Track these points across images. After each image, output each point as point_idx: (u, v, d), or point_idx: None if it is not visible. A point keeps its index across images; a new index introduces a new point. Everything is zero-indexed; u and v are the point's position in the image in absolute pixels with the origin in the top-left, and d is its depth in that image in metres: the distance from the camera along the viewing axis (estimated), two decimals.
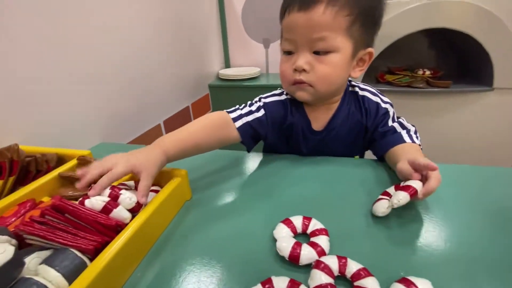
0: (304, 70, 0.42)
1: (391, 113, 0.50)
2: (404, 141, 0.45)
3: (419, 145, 0.46)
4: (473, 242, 0.31)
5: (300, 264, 0.29)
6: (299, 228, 0.34)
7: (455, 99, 1.10)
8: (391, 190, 0.38)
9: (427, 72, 1.19)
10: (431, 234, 0.33)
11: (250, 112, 0.47)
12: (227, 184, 0.45)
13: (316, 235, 0.32)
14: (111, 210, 0.32)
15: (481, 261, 0.29)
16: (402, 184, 0.37)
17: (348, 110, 0.49)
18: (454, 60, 1.28)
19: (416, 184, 0.34)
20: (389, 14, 1.04)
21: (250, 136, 0.48)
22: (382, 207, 0.35)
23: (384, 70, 1.37)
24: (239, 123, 0.46)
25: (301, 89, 0.44)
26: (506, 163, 1.16)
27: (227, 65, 1.56)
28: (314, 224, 0.34)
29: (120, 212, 0.32)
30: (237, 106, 0.49)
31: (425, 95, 1.11)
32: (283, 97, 0.50)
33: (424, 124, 1.17)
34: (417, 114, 1.16)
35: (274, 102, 0.49)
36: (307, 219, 0.34)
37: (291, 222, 0.34)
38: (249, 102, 0.50)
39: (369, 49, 0.44)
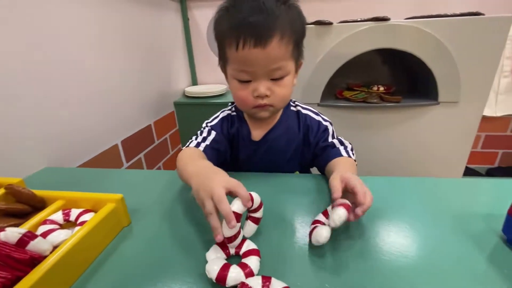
0: (266, 96, 0.45)
1: (330, 131, 0.55)
2: (341, 155, 0.49)
3: (355, 160, 0.49)
4: (428, 249, 0.33)
5: (227, 286, 0.29)
6: (232, 250, 0.34)
7: (406, 113, 1.18)
8: (321, 217, 0.38)
9: (381, 88, 1.28)
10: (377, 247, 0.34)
11: (204, 139, 0.52)
12: (172, 207, 0.44)
13: (247, 256, 0.32)
14: (27, 242, 0.30)
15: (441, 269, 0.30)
16: (334, 204, 0.37)
17: (287, 125, 0.54)
18: (406, 77, 1.39)
19: (347, 201, 0.35)
20: (344, 35, 1.11)
21: (215, 158, 0.51)
22: (323, 234, 0.32)
23: (343, 87, 1.45)
24: (201, 148, 0.50)
25: (263, 110, 0.48)
26: (452, 167, 1.25)
27: (194, 82, 1.57)
28: (248, 245, 0.34)
29: (38, 244, 0.30)
30: (191, 140, 0.53)
31: (379, 110, 1.18)
32: (226, 113, 0.57)
33: (379, 136, 1.24)
34: (372, 127, 1.23)
35: (219, 121, 0.56)
36: (242, 240, 0.35)
37: (225, 244, 0.34)
38: (198, 132, 0.55)
39: (301, 61, 0.50)
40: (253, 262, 0.31)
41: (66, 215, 0.38)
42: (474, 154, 1.55)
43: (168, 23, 1.29)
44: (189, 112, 1.34)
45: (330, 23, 1.10)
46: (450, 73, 1.10)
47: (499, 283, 0.28)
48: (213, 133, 0.53)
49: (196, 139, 0.52)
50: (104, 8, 0.84)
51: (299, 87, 1.13)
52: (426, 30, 1.06)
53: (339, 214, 0.33)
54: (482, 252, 0.32)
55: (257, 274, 0.30)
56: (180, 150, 1.39)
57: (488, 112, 1.36)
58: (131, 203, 0.45)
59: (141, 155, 1.04)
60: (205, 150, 0.50)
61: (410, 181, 0.50)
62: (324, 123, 0.56)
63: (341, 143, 0.54)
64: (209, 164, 0.41)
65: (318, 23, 1.10)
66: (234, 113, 0.56)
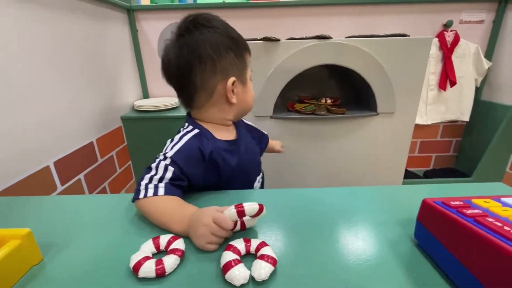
0: None
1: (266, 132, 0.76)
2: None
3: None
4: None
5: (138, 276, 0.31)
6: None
7: (350, 123, 1.27)
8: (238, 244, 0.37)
9: (329, 101, 1.36)
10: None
11: (161, 179, 0.45)
12: (101, 238, 0.40)
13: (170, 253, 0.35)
14: None
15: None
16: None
17: (243, 128, 0.63)
18: (350, 89, 1.50)
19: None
20: (290, 51, 1.17)
21: (178, 194, 0.46)
22: (237, 277, 0.30)
23: (295, 99, 1.52)
24: (161, 191, 0.44)
25: None
26: (393, 171, 1.36)
27: (146, 95, 1.51)
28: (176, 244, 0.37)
29: None
30: (143, 185, 0.45)
31: (326, 121, 1.25)
32: (191, 134, 0.51)
33: (327, 145, 1.31)
34: (320, 137, 1.30)
35: (184, 146, 0.49)
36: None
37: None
38: (153, 165, 0.47)
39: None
40: (170, 259, 0.33)
41: None
42: (413, 158, 1.72)
43: (115, 35, 1.23)
44: (139, 127, 1.27)
45: (278, 40, 1.14)
46: (386, 87, 1.21)
47: (408, 286, 0.30)
48: (170, 170, 0.46)
49: (154, 175, 0.45)
50: (41, 21, 0.78)
51: None
52: (363, 49, 1.16)
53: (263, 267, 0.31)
54: (396, 257, 0.35)
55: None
56: (129, 167, 1.31)
57: (420, 121, 1.53)
58: (49, 236, 0.40)
59: (81, 176, 0.95)
60: (167, 191, 0.44)
61: (331, 191, 0.53)
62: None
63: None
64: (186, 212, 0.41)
65: (266, 39, 1.14)
66: (199, 131, 0.52)
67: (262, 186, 0.69)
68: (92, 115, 1.03)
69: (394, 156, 1.35)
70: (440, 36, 1.42)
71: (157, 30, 1.41)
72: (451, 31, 1.42)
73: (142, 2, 2.95)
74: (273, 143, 0.84)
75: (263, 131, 0.76)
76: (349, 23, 1.44)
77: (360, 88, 1.35)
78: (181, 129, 0.55)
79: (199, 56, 0.47)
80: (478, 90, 1.53)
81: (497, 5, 1.39)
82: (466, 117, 1.54)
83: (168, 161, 0.47)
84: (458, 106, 1.52)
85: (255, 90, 0.56)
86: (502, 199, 0.35)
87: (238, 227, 0.38)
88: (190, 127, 0.53)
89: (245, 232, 0.40)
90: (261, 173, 0.68)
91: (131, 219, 0.45)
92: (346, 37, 1.22)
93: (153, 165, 0.47)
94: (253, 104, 0.57)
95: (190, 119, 0.56)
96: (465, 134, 1.65)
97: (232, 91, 0.51)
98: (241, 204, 0.35)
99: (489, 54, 1.47)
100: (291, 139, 1.31)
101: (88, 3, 1.03)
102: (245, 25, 1.43)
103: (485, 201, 0.34)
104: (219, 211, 0.36)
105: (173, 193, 0.45)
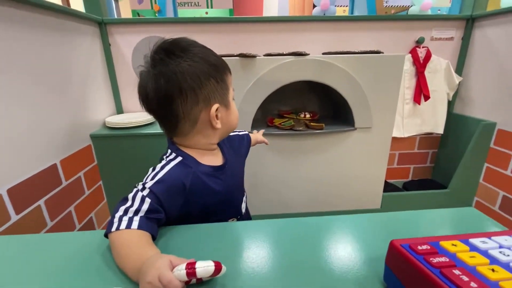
0: None
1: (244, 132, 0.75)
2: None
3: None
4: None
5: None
6: None
7: (329, 139, 1.26)
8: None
9: (307, 115, 1.35)
10: None
11: (137, 211, 0.42)
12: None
13: None
14: None
15: None
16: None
17: (226, 146, 0.61)
18: (329, 104, 1.51)
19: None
20: (268, 67, 1.16)
21: (155, 230, 0.43)
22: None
23: (275, 113, 1.51)
24: (135, 224, 0.40)
25: None
26: (373, 184, 1.37)
27: (120, 111, 1.44)
28: None
29: None
30: (117, 217, 0.41)
31: (305, 136, 1.24)
32: (178, 159, 0.50)
33: (306, 160, 1.30)
34: (299, 152, 1.28)
35: (166, 176, 0.46)
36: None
37: None
38: (130, 196, 0.43)
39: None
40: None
41: None
42: (392, 170, 1.74)
43: (84, 49, 1.17)
44: (110, 145, 1.20)
45: (254, 56, 1.13)
46: (362, 103, 1.22)
47: None
48: (147, 202, 0.43)
49: (130, 206, 0.42)
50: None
51: None
52: (340, 65, 1.17)
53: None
54: None
55: None
56: (100, 188, 1.24)
57: (397, 133, 1.55)
58: None
59: (41, 202, 0.87)
60: (140, 224, 0.40)
61: (300, 221, 0.50)
62: (238, 132, 0.73)
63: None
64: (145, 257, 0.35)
65: (243, 55, 1.13)
66: (183, 159, 0.50)
67: (246, 206, 0.67)
68: (56, 135, 0.96)
69: (373, 170, 1.36)
70: (413, 52, 1.46)
71: (131, 43, 1.37)
72: (423, 47, 1.47)
73: (123, 14, 2.89)
74: (255, 136, 0.83)
75: (242, 133, 0.74)
76: (326, 38, 1.46)
77: (338, 102, 1.36)
78: (164, 156, 0.52)
79: (179, 88, 0.45)
80: (450, 104, 1.58)
81: (465, 23, 1.46)
82: (440, 130, 1.58)
83: (146, 192, 0.44)
84: (432, 119, 1.56)
85: None
86: (470, 240, 0.33)
87: (194, 280, 0.34)
88: (173, 155, 0.51)
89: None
90: (245, 193, 0.66)
91: (98, 266, 0.40)
92: (323, 53, 1.23)
93: (130, 196, 0.44)
94: (237, 122, 0.56)
95: (173, 146, 0.53)
96: (440, 146, 1.69)
97: (216, 116, 0.49)
98: (194, 262, 0.31)
99: (459, 69, 1.53)
100: (270, 155, 1.29)
101: (54, 17, 0.98)
102: (226, 40, 1.42)
103: (453, 244, 0.32)
104: (171, 266, 0.32)
105: (147, 227, 0.41)
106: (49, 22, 0.96)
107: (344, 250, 0.42)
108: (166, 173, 0.46)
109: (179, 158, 0.50)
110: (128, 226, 0.40)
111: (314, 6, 1.61)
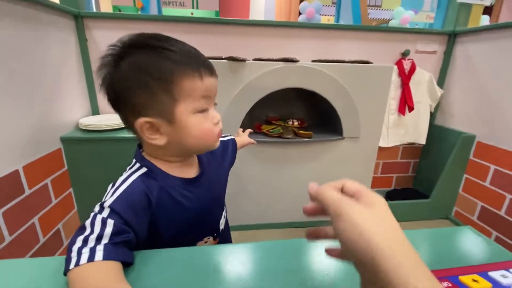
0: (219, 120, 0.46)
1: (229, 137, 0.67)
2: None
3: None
4: None
5: None
6: None
7: (317, 147, 1.24)
8: None
9: (296, 123, 1.33)
10: None
11: (100, 237, 0.35)
12: None
13: None
14: None
15: None
16: None
17: (205, 154, 0.54)
18: (317, 112, 1.49)
19: None
20: (257, 73, 1.12)
21: (127, 254, 0.37)
22: None
23: (263, 119, 1.47)
24: (99, 255, 0.33)
25: (220, 137, 0.48)
26: None
27: (95, 112, 1.34)
28: None
29: None
30: (75, 251, 0.33)
31: (293, 144, 1.21)
32: (142, 170, 0.44)
33: (293, 168, 1.27)
34: (287, 161, 1.25)
35: (128, 190, 0.40)
36: None
37: None
38: (87, 222, 0.36)
39: None
40: None
41: None
42: (376, 179, 1.76)
43: (57, 43, 1.07)
44: (82, 149, 1.10)
45: (244, 60, 1.09)
46: (351, 112, 1.21)
47: None
48: (110, 223, 0.36)
49: (90, 234, 0.35)
50: None
51: None
52: (330, 74, 1.15)
53: None
54: None
55: None
56: (69, 196, 1.13)
57: (382, 143, 1.57)
58: None
59: None
60: (106, 254, 0.33)
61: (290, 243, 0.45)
62: (224, 138, 0.65)
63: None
64: None
65: (232, 59, 1.08)
66: (148, 170, 0.44)
67: (226, 221, 0.60)
68: (19, 138, 0.85)
69: (359, 178, 1.34)
70: (399, 64, 1.49)
71: (110, 40, 1.26)
72: (408, 59, 1.50)
73: (102, 9, 2.76)
74: (242, 139, 0.76)
75: (227, 138, 0.66)
76: (313, 46, 1.45)
77: (326, 110, 1.34)
78: (128, 168, 0.46)
79: (113, 91, 0.42)
80: (432, 115, 1.62)
81: (447, 38, 1.51)
82: (422, 140, 1.62)
83: (106, 213, 0.37)
84: (415, 129, 1.60)
85: (220, 110, 0.47)
86: (490, 274, 0.30)
87: None
88: (137, 165, 0.44)
89: None
90: (224, 207, 0.60)
91: None
92: (312, 61, 1.21)
93: (87, 222, 0.36)
94: (208, 139, 0.46)
95: (139, 154, 0.47)
96: (422, 156, 1.73)
97: (157, 130, 0.42)
98: None
99: (441, 82, 1.58)
100: (257, 162, 1.24)
101: (23, 7, 0.88)
102: (211, 41, 1.36)
103: (473, 280, 0.29)
104: None
105: (115, 255, 0.34)
106: (18, 12, 0.86)
107: (340, 279, 0.38)
108: (127, 187, 0.40)
109: (143, 170, 0.44)
110: (91, 258, 0.32)
111: (300, 13, 1.60)
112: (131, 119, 0.42)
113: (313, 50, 1.45)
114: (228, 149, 0.64)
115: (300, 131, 1.23)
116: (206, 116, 0.44)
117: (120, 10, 2.12)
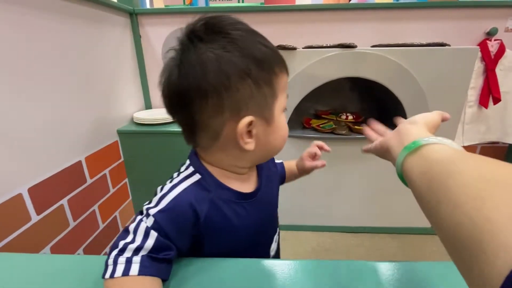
0: None
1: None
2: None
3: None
4: None
5: None
6: None
7: None
8: None
9: (350, 117, 1.20)
10: None
11: (139, 249, 0.31)
12: None
13: None
14: None
15: None
16: None
17: (264, 166, 0.47)
18: (375, 104, 1.33)
19: None
20: (308, 61, 1.02)
21: (164, 271, 0.33)
22: None
23: (311, 113, 1.36)
24: (135, 268, 0.30)
25: None
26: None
27: (148, 106, 1.39)
28: None
29: None
30: (112, 258, 0.31)
31: (348, 141, 1.09)
32: (196, 177, 0.37)
33: (348, 168, 1.14)
34: (340, 159, 1.13)
35: (175, 200, 0.34)
36: None
37: None
38: (131, 227, 0.33)
39: None
40: None
41: None
42: None
43: (114, 41, 1.12)
44: (137, 141, 1.15)
45: (294, 48, 1.00)
46: (419, 103, 1.04)
47: None
48: (152, 236, 0.32)
49: (130, 242, 0.32)
50: (17, 24, 0.67)
51: None
52: (394, 59, 1.00)
53: None
54: None
55: None
56: (125, 185, 1.19)
57: (455, 141, 1.33)
58: None
59: (64, 201, 0.83)
60: (142, 268, 0.30)
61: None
62: None
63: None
64: None
65: (281, 47, 1.00)
66: (201, 177, 0.38)
67: (278, 245, 0.53)
68: (81, 131, 0.91)
69: None
70: (482, 46, 1.23)
71: (162, 35, 1.30)
72: (495, 40, 1.23)
73: (155, 5, 2.90)
74: (302, 163, 0.59)
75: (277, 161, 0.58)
76: (373, 30, 1.27)
77: (386, 103, 1.18)
78: (181, 167, 0.40)
79: (197, 87, 0.32)
80: None
81: None
82: (509, 139, 1.33)
83: (150, 222, 0.33)
84: (501, 125, 1.32)
85: None
86: None
87: None
88: (191, 170, 0.38)
89: None
90: (278, 229, 0.52)
91: None
92: (372, 46, 1.07)
93: (131, 227, 0.33)
94: (283, 144, 0.40)
95: (194, 156, 0.40)
96: (507, 158, 1.44)
97: (249, 133, 0.35)
98: None
99: None
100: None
101: (83, 5, 0.93)
102: (260, 31, 1.30)
103: None
104: None
105: (152, 271, 0.31)
106: (78, 11, 0.91)
107: None
108: (175, 199, 0.35)
109: (196, 177, 0.38)
110: (126, 272, 0.29)
111: None
112: (217, 121, 0.34)
113: (371, 35, 1.28)
114: (277, 165, 0.57)
115: (356, 126, 1.10)
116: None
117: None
